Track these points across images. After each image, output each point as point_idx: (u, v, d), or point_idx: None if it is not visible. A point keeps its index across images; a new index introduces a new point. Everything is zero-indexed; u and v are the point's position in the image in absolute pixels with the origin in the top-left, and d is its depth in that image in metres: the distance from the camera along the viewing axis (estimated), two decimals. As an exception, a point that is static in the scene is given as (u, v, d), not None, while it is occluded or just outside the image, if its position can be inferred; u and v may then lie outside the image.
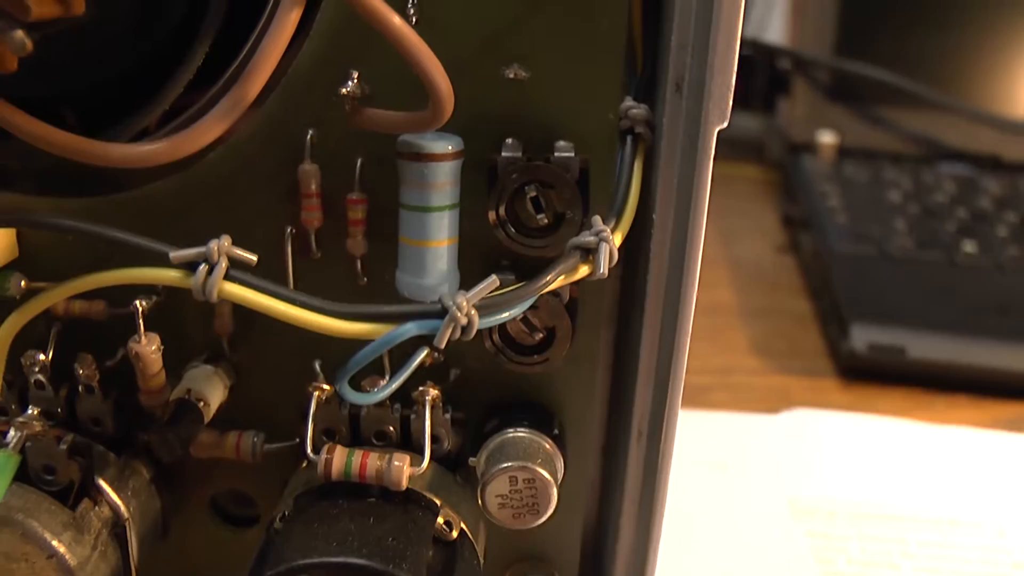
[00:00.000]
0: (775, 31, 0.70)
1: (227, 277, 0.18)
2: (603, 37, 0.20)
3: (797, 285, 0.55)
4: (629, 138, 0.21)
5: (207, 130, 0.18)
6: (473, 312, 0.18)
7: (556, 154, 0.21)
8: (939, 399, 0.45)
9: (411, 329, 0.18)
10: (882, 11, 0.59)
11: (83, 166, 0.19)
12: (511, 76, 0.20)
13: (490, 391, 0.23)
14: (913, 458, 0.38)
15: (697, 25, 0.19)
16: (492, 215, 0.21)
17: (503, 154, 0.21)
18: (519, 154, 0.21)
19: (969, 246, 0.50)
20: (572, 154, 0.20)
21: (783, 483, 0.37)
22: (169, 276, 0.18)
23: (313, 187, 0.21)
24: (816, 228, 0.52)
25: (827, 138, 0.59)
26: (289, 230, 0.22)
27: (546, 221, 0.21)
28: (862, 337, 0.45)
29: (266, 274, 0.19)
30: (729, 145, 0.70)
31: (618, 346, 0.24)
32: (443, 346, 0.18)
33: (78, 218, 0.21)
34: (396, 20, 0.17)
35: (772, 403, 0.45)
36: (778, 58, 0.64)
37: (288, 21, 0.18)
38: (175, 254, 0.18)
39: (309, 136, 0.21)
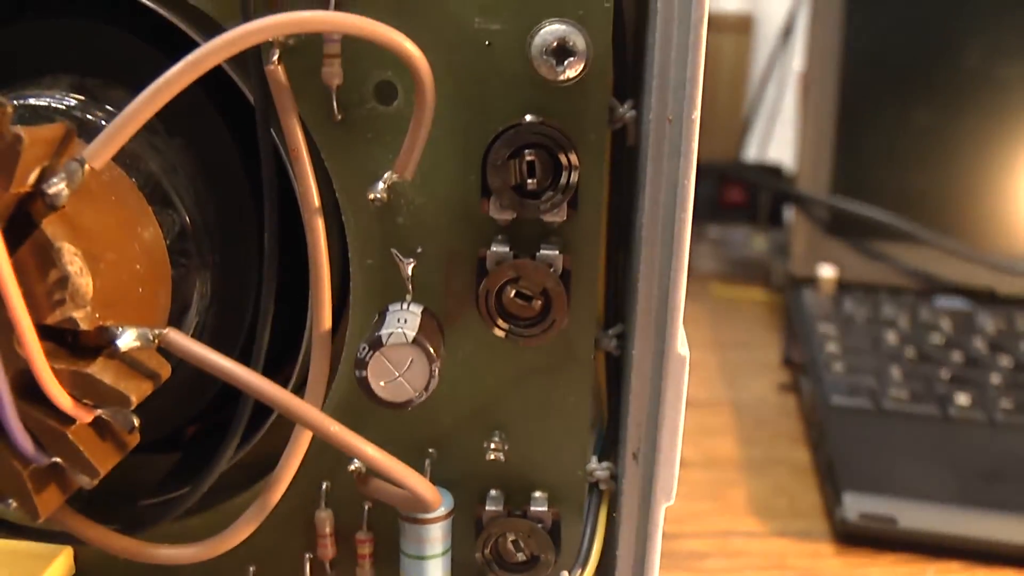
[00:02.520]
0: (777, 149, 0.75)
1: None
2: (571, 410, 0.25)
3: (798, 432, 0.58)
4: (595, 490, 0.25)
5: (238, 532, 0.23)
6: None
7: (532, 507, 0.25)
8: (931, 565, 0.48)
9: None
10: (877, 151, 0.64)
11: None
12: (492, 457, 0.25)
13: None
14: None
15: (651, 403, 0.24)
16: (479, 555, 0.26)
17: (487, 507, 0.25)
18: (501, 507, 0.25)
19: (963, 398, 0.54)
20: (546, 508, 0.25)
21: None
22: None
23: (328, 529, 0.26)
24: (814, 376, 0.56)
25: (827, 272, 0.63)
26: (307, 556, 0.27)
27: (524, 558, 0.26)
28: (854, 506, 0.48)
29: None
30: (736, 265, 0.75)
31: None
32: None
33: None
34: (369, 451, 0.22)
35: (768, 570, 0.49)
36: (781, 178, 0.68)
37: (303, 440, 0.23)
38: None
39: (324, 487, 0.26)
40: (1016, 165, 0.65)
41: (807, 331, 0.60)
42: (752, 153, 0.85)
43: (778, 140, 0.80)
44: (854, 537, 0.49)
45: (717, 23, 0.85)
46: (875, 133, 0.65)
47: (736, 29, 0.86)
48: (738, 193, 0.75)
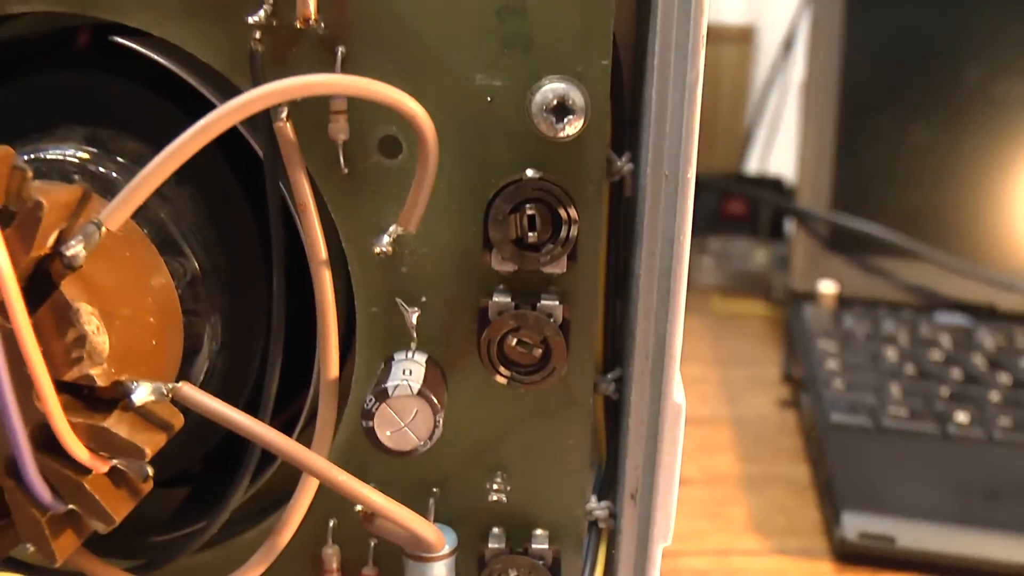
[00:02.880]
0: (779, 160, 0.76)
1: None
2: (570, 452, 0.26)
3: (798, 448, 0.59)
4: (594, 529, 0.26)
5: (247, 574, 0.24)
6: None
7: (534, 545, 0.26)
8: (930, 584, 0.49)
9: None
10: (877, 167, 0.65)
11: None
12: (494, 497, 0.26)
13: None
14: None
15: (647, 447, 0.25)
16: (481, 593, 0.27)
17: (490, 545, 0.27)
18: (503, 545, 0.26)
19: (962, 416, 0.55)
20: (546, 545, 0.26)
21: None
22: None
23: (335, 565, 0.27)
24: (814, 393, 0.57)
25: (827, 288, 0.64)
26: (315, 591, 0.28)
27: (525, 597, 0.27)
28: (853, 526, 0.49)
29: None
30: (737, 278, 0.76)
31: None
32: None
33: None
34: (374, 498, 0.23)
35: (767, 589, 0.49)
36: (782, 191, 0.69)
37: (311, 485, 0.24)
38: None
39: (331, 524, 0.27)
40: (1015, 182, 0.66)
41: (807, 347, 0.61)
42: (754, 164, 0.86)
43: (779, 151, 0.81)
44: (853, 556, 0.50)
45: (718, 33, 0.86)
46: (875, 149, 0.66)
47: (737, 40, 0.87)
48: (739, 205, 0.76)
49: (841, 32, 0.67)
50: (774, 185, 0.75)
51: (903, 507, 0.50)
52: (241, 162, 0.27)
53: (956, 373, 0.59)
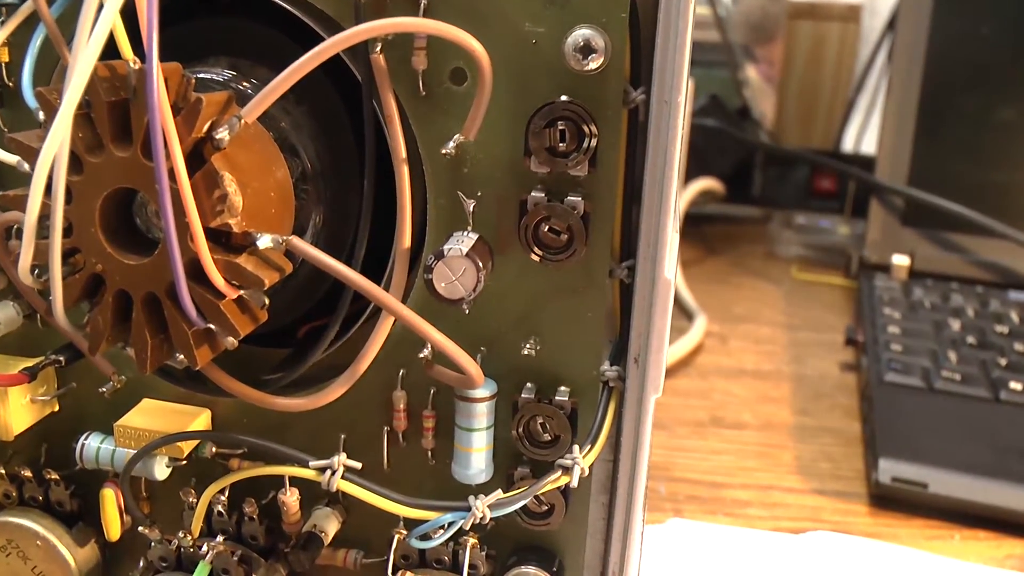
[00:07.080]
0: (874, 141, 0.84)
1: (343, 478, 0.36)
2: (589, 323, 0.37)
3: (853, 406, 0.69)
4: (606, 388, 0.37)
5: (335, 391, 0.35)
6: (487, 510, 0.35)
7: (557, 397, 0.37)
8: (958, 531, 0.58)
9: (449, 518, 0.35)
10: (957, 144, 0.73)
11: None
12: (526, 353, 0.36)
13: (513, 538, 0.40)
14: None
15: (647, 321, 0.35)
16: (514, 432, 0.37)
17: (522, 396, 0.37)
18: (533, 396, 0.37)
19: (1016, 384, 0.63)
20: (567, 398, 0.37)
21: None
22: (309, 474, 0.36)
23: (402, 406, 0.38)
24: (873, 355, 0.66)
25: (900, 261, 0.73)
26: (385, 428, 0.39)
27: (548, 438, 0.37)
28: (888, 470, 0.59)
29: (369, 456, 0.37)
30: (819, 252, 0.85)
31: (611, 507, 0.40)
32: (468, 528, 0.35)
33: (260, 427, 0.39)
34: (432, 333, 0.34)
35: (802, 521, 0.59)
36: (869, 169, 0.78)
37: (384, 326, 0.35)
38: (313, 463, 0.36)
39: (400, 373, 0.38)
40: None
41: (873, 313, 0.70)
42: (850, 143, 0.94)
43: (875, 131, 0.89)
44: (887, 500, 0.59)
45: (825, 11, 0.95)
46: (956, 127, 0.74)
47: (844, 18, 0.95)
48: (829, 182, 0.84)
49: (930, 10, 0.75)
50: (864, 163, 0.83)
51: (939, 458, 0.59)
52: (344, 86, 0.38)
53: (1019, 346, 0.67)
